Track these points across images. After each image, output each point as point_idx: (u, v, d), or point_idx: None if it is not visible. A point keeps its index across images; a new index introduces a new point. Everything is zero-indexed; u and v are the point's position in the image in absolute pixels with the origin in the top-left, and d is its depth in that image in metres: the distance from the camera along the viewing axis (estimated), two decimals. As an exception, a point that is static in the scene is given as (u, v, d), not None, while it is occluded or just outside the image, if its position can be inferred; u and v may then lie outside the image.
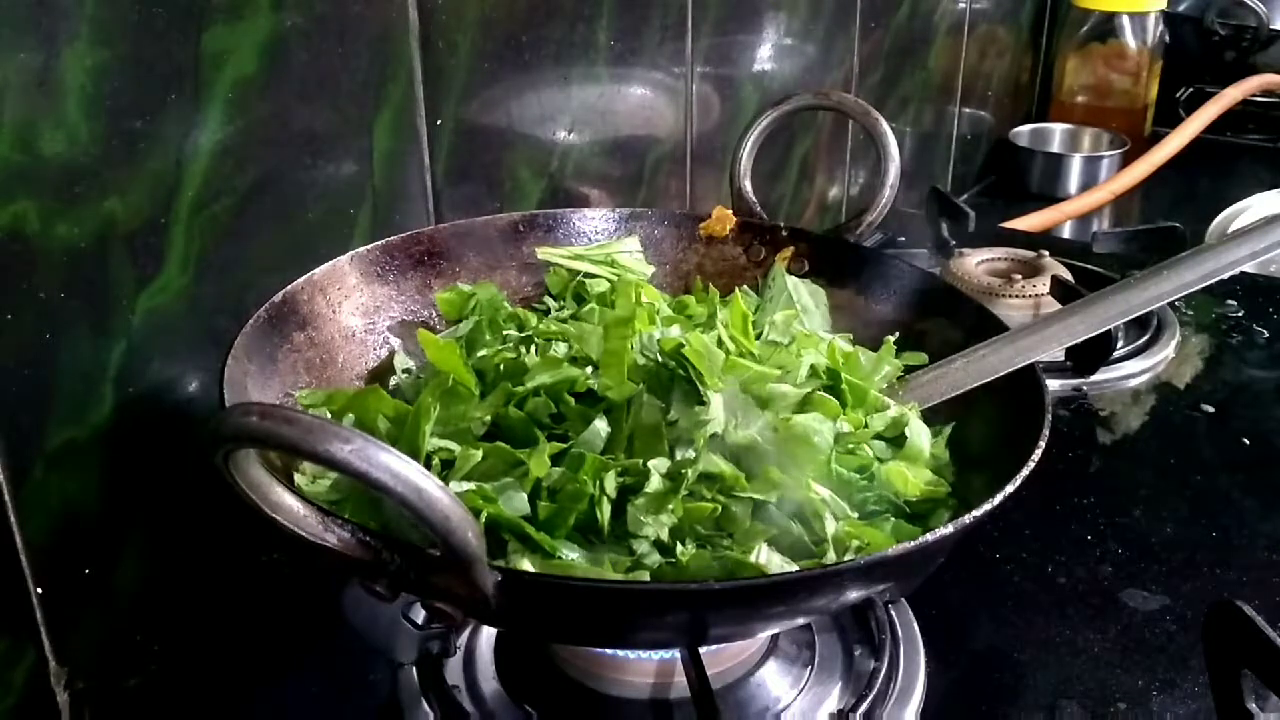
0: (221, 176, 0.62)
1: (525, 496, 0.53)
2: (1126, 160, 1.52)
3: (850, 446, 0.59)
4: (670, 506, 0.53)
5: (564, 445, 0.57)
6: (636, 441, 0.57)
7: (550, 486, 0.54)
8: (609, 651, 0.60)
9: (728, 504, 0.54)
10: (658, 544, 0.53)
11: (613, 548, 0.53)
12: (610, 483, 0.54)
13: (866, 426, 0.61)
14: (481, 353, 0.65)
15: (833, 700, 0.61)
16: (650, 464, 0.55)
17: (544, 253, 0.74)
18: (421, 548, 0.43)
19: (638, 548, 0.53)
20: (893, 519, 0.57)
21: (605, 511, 0.53)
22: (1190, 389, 0.96)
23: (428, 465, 0.55)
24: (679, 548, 0.53)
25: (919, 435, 0.60)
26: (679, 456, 0.56)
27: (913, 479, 0.57)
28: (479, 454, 0.55)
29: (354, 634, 0.59)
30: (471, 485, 0.53)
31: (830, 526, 0.54)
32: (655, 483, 0.54)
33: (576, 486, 0.53)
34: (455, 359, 0.61)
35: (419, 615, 0.61)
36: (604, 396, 0.59)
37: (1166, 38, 1.63)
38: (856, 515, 0.56)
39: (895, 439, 0.61)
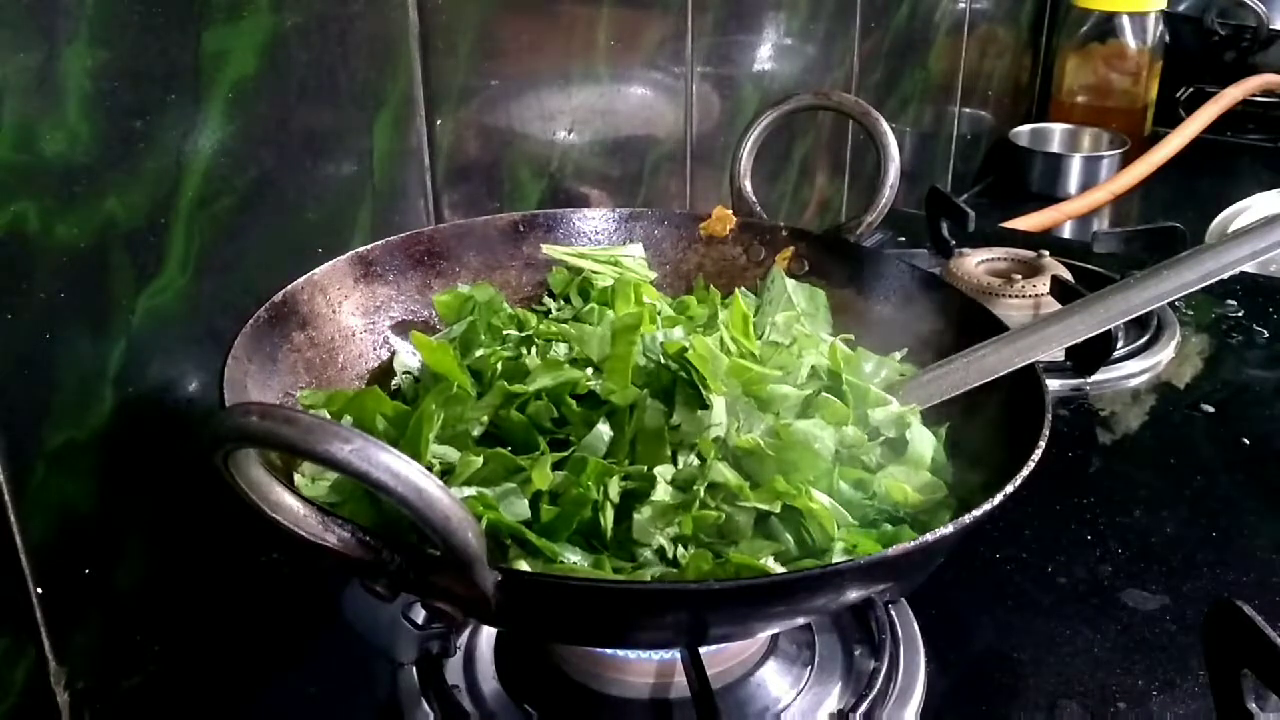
0: (221, 176, 0.62)
1: (526, 503, 0.53)
2: (1126, 160, 1.52)
3: (852, 453, 0.59)
4: (678, 520, 0.53)
5: (566, 451, 0.56)
6: (639, 446, 0.57)
7: (552, 490, 0.54)
8: (609, 651, 0.60)
9: (732, 513, 0.54)
10: (659, 551, 0.53)
11: (615, 554, 0.53)
12: (614, 489, 0.53)
13: (868, 435, 0.60)
14: (479, 352, 0.65)
15: (833, 700, 0.61)
16: (656, 471, 0.55)
17: (549, 249, 0.74)
18: (421, 548, 0.43)
19: (640, 555, 0.53)
20: (892, 527, 0.57)
21: (609, 517, 0.53)
22: (1190, 389, 0.96)
23: (428, 472, 0.55)
24: (679, 550, 0.53)
25: (920, 442, 0.60)
26: (681, 462, 0.56)
27: (912, 492, 0.57)
28: (479, 460, 0.55)
29: (354, 634, 0.59)
30: (472, 491, 0.53)
31: (833, 533, 0.54)
32: (661, 491, 0.54)
33: (579, 492, 0.53)
34: (449, 360, 0.61)
35: (419, 615, 0.61)
36: (606, 399, 0.59)
37: (1166, 38, 1.63)
38: (857, 524, 0.56)
39: (896, 441, 0.61)
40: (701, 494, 0.54)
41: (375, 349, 0.68)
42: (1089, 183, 1.51)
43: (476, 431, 0.58)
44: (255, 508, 0.43)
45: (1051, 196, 1.49)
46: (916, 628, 0.65)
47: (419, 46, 0.72)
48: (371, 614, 0.58)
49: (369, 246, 0.68)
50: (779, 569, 0.52)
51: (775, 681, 0.61)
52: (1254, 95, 1.61)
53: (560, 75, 0.84)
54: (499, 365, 0.63)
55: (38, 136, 0.53)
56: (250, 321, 0.59)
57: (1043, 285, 1.00)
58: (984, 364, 0.63)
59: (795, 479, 0.55)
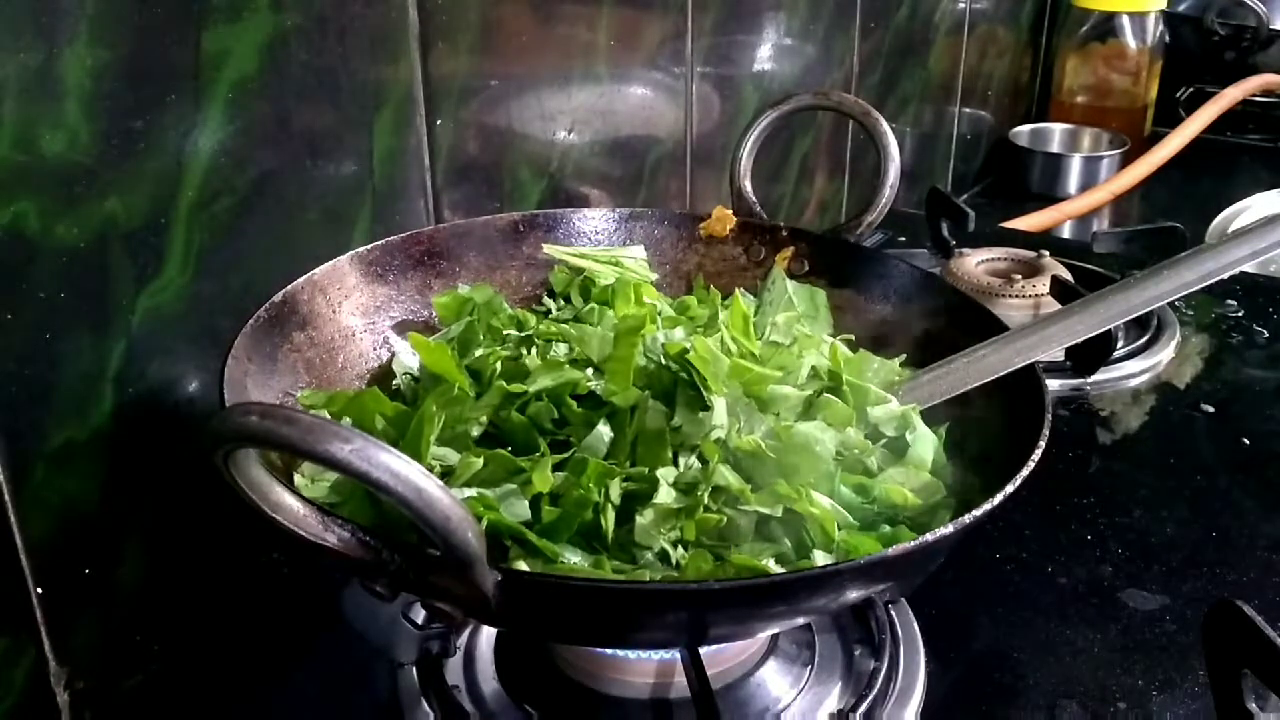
0: (221, 176, 0.62)
1: (526, 504, 0.53)
2: (1126, 160, 1.52)
3: (853, 455, 0.59)
4: (680, 524, 0.53)
5: (566, 452, 0.56)
6: (640, 447, 0.57)
7: (553, 492, 0.54)
8: (609, 651, 0.60)
9: (734, 516, 0.54)
10: (660, 554, 0.53)
11: (615, 555, 0.53)
12: (615, 490, 0.53)
13: (869, 436, 0.60)
14: (477, 352, 0.65)
15: (833, 700, 0.61)
16: (658, 473, 0.55)
17: (550, 249, 0.74)
18: (421, 548, 0.43)
19: (640, 557, 0.53)
20: (891, 528, 0.56)
21: (609, 519, 0.53)
22: (1190, 389, 0.96)
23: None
24: (679, 551, 0.52)
25: (921, 442, 0.60)
26: (682, 463, 0.56)
27: (911, 495, 0.57)
28: (479, 461, 0.55)
29: (354, 634, 0.59)
30: (472, 492, 0.53)
31: (834, 536, 0.54)
32: (664, 494, 0.54)
33: (580, 493, 0.53)
34: (446, 360, 0.61)
35: (419, 615, 0.61)
36: (607, 400, 0.59)
37: (1166, 38, 1.63)
38: (858, 526, 0.56)
39: (896, 441, 0.61)
40: (704, 498, 0.54)
41: (375, 349, 0.68)
42: (1089, 183, 1.51)
43: (476, 432, 0.58)
44: (255, 508, 0.43)
45: (1051, 196, 1.49)
46: (916, 628, 0.65)
47: (419, 46, 0.72)
48: (371, 614, 0.58)
49: (369, 246, 0.68)
50: (779, 570, 0.52)
51: (775, 681, 0.61)
52: (1254, 95, 1.61)
53: (560, 75, 0.84)
54: (498, 365, 0.63)
55: (38, 136, 0.53)
56: (250, 321, 0.59)
57: (1043, 285, 1.00)
58: (984, 364, 0.63)
59: (796, 481, 0.55)
